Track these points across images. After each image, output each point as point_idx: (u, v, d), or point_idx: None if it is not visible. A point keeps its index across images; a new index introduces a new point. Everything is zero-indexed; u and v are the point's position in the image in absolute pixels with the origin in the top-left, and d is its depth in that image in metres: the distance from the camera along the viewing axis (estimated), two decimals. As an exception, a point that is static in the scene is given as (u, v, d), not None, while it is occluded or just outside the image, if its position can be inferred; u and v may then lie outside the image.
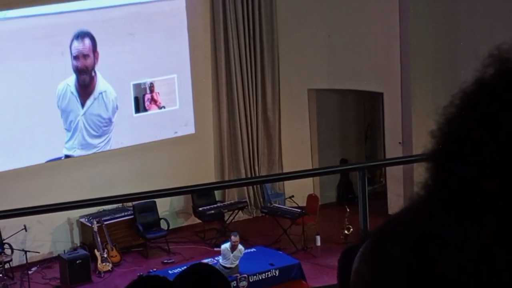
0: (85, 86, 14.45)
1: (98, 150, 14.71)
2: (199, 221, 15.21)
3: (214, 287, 3.06)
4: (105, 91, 14.61)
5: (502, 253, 0.57)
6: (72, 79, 14.30)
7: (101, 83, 14.55)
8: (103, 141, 14.74)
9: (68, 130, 14.38)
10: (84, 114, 14.49)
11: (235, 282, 12.35)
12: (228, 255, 12.55)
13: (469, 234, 0.60)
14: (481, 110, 0.63)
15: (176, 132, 15.28)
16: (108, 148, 14.78)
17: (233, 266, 12.56)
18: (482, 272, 0.58)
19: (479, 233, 0.59)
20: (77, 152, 14.50)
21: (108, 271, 13.71)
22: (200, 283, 3.05)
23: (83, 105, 14.47)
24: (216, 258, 12.94)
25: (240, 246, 12.64)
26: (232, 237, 12.69)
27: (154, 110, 15.19)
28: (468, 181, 0.61)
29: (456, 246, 0.60)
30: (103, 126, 14.69)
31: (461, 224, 0.60)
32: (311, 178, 15.62)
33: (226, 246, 12.63)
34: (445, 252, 0.61)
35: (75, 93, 14.37)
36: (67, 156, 14.43)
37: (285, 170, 15.81)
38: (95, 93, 14.56)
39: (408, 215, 0.68)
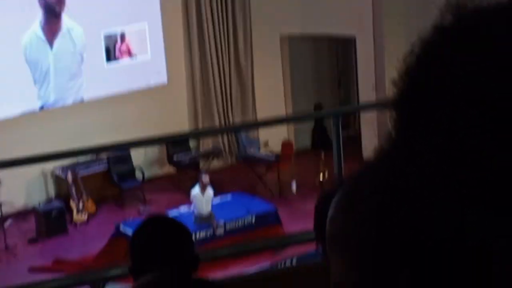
0: (52, 25, 14.21)
1: (72, 97, 14.55)
2: (174, 169, 15.22)
3: (173, 238, 3.04)
4: (72, 28, 14.42)
5: (470, 204, 0.57)
6: (36, 25, 14.08)
7: (67, 21, 14.36)
8: (76, 84, 14.55)
9: (38, 80, 14.21)
10: (55, 55, 14.30)
11: (211, 229, 12.41)
12: (200, 199, 12.55)
13: (434, 188, 0.59)
14: (440, 57, 0.63)
15: (145, 83, 15.17)
16: (81, 94, 14.63)
17: (207, 213, 12.59)
18: (451, 227, 0.58)
19: (444, 185, 0.59)
20: (51, 99, 14.34)
21: (84, 222, 13.72)
22: (158, 235, 3.03)
23: (51, 45, 14.28)
24: (192, 206, 12.96)
25: (209, 188, 12.66)
26: (203, 177, 12.71)
27: (125, 60, 15.07)
28: (430, 131, 0.61)
29: (422, 201, 0.60)
30: (74, 65, 14.51)
31: (425, 176, 0.60)
32: (285, 125, 15.64)
33: (196, 191, 12.63)
34: (412, 210, 0.60)
35: (42, 36, 14.15)
36: (41, 108, 14.31)
37: (259, 117, 15.80)
38: (63, 30, 14.36)
39: (373, 171, 0.67)
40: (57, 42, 14.34)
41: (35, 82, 14.22)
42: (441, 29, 0.65)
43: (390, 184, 0.63)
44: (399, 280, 0.62)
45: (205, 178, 12.71)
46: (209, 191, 12.70)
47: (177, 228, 3.12)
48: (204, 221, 12.54)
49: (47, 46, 14.26)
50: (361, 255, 0.65)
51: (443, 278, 0.59)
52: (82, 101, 14.67)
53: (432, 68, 0.63)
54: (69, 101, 14.60)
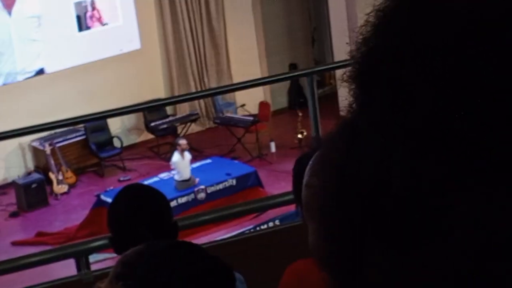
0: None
1: (39, 65, 14.40)
2: (152, 136, 15.19)
3: (151, 207, 3.03)
4: None
5: (429, 163, 0.59)
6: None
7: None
8: (36, 51, 14.36)
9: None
10: (14, 20, 14.11)
11: (193, 194, 12.43)
12: (181, 164, 12.55)
13: (395, 150, 0.61)
14: (395, 24, 0.64)
15: (121, 50, 15.07)
16: (49, 63, 14.47)
17: (188, 176, 12.60)
18: (411, 186, 0.60)
19: (404, 147, 0.60)
20: (17, 69, 14.16)
21: (65, 192, 13.70)
22: (136, 205, 3.03)
23: (9, 13, 14.07)
24: (173, 172, 12.97)
25: (187, 153, 12.68)
26: (180, 141, 12.72)
27: (97, 28, 14.94)
28: (389, 98, 0.62)
29: (382, 165, 0.61)
30: (34, 28, 14.32)
31: (387, 140, 0.62)
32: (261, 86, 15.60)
33: (177, 156, 12.63)
34: (372, 174, 0.62)
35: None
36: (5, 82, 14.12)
37: (234, 79, 15.75)
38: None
39: (335, 140, 0.69)
40: (15, 9, 14.10)
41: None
42: None
43: (348, 150, 0.65)
44: (364, 244, 0.63)
45: (183, 141, 12.71)
46: (187, 155, 12.70)
47: (154, 196, 3.11)
48: (188, 185, 12.55)
49: (6, 13, 14.02)
50: (328, 224, 0.67)
51: (404, 232, 0.60)
52: (52, 72, 14.53)
53: (388, 36, 0.64)
54: (34, 70, 14.42)
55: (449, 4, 0.62)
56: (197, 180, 12.62)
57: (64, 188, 13.71)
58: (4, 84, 14.09)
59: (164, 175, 12.97)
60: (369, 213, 0.62)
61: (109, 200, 11.30)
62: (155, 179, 12.70)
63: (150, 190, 3.22)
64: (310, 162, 1.35)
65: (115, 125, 14.80)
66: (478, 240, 0.57)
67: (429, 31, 0.61)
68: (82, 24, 14.77)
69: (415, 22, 0.63)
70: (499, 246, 0.57)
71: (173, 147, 13.20)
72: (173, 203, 10.74)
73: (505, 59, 0.59)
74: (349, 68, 0.68)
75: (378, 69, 0.64)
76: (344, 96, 0.72)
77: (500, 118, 0.58)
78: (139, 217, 2.98)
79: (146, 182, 11.31)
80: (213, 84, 15.69)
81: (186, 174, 12.60)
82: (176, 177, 12.61)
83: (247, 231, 9.19)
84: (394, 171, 0.61)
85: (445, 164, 0.59)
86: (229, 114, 15.57)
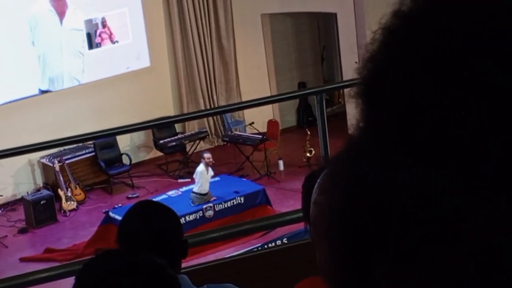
0: (60, 5, 14.24)
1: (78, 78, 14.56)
2: (161, 153, 15.21)
3: (162, 224, 3.02)
4: (75, 8, 14.44)
5: (433, 176, 0.60)
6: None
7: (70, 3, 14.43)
8: (83, 63, 14.56)
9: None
10: (65, 30, 14.30)
11: (201, 212, 12.42)
12: (205, 176, 12.54)
13: (401, 163, 0.62)
14: (401, 42, 0.65)
15: (128, 67, 15.12)
16: (70, 80, 14.63)
17: (206, 191, 12.59)
18: (417, 198, 0.61)
19: (410, 159, 0.61)
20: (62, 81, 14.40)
21: (73, 209, 13.71)
22: (147, 222, 3.02)
23: (61, 22, 14.27)
24: (181, 190, 12.98)
25: (210, 169, 12.71)
26: (205, 155, 12.71)
27: (107, 45, 15.01)
28: (394, 111, 0.63)
29: (389, 178, 0.62)
30: (82, 42, 14.52)
31: (393, 153, 0.62)
32: (270, 104, 15.63)
33: (202, 167, 12.62)
34: (378, 187, 0.63)
35: (52, 9, 14.15)
36: (43, 92, 14.29)
37: (243, 97, 15.77)
38: (70, 8, 14.36)
39: (342, 156, 0.70)
40: (66, 19, 14.37)
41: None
42: (401, 15, 0.67)
43: (355, 168, 0.66)
44: (371, 258, 0.64)
45: (208, 155, 12.70)
46: (210, 171, 12.71)
47: (165, 213, 3.11)
48: (204, 199, 12.54)
49: (58, 21, 14.27)
50: (335, 239, 0.67)
51: (411, 243, 0.61)
52: (64, 89, 14.61)
53: (394, 53, 0.65)
54: (76, 82, 14.62)
55: (453, 18, 0.63)
56: (214, 197, 12.63)
57: (72, 204, 13.72)
58: (14, 101, 14.15)
59: (172, 193, 12.98)
60: (376, 226, 0.63)
61: (117, 217, 11.38)
62: (164, 196, 12.70)
63: (161, 207, 3.22)
64: (318, 180, 1.36)
65: (124, 142, 14.83)
66: (485, 246, 0.58)
67: (434, 45, 0.62)
68: (92, 41, 14.84)
69: (420, 37, 0.64)
70: (506, 252, 0.58)
71: (182, 164, 13.18)
72: (181, 221, 10.72)
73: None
74: (356, 85, 0.70)
75: (384, 84, 0.65)
76: (353, 114, 0.74)
77: (508, 125, 0.59)
78: (148, 234, 2.97)
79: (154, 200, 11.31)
80: (222, 102, 15.72)
81: (205, 187, 12.60)
82: (195, 189, 12.59)
83: (255, 249, 9.18)
84: (401, 182, 0.61)
85: (451, 173, 0.60)
86: (237, 132, 15.59)
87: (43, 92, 14.35)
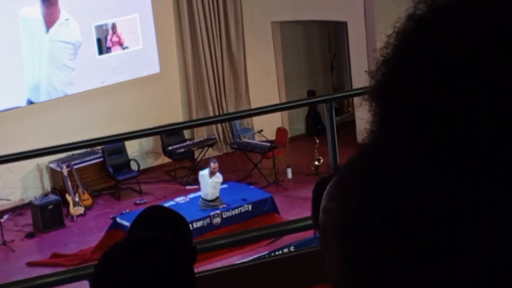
0: (50, 12, 14.18)
1: (64, 89, 14.51)
2: (169, 160, 15.21)
3: (171, 227, 3.01)
4: (69, 19, 14.39)
5: (448, 181, 0.60)
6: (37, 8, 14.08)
7: (64, 13, 14.35)
8: (67, 76, 14.50)
9: (28, 60, 14.12)
10: (49, 41, 14.25)
11: (208, 219, 12.41)
12: (207, 180, 12.54)
13: (415, 166, 0.62)
14: (416, 46, 0.65)
15: (141, 73, 15.14)
16: (73, 87, 14.59)
17: (214, 198, 12.58)
18: (431, 202, 0.61)
19: (424, 162, 0.61)
20: (42, 91, 14.29)
21: (81, 214, 13.71)
22: (156, 227, 3.01)
23: (48, 30, 14.24)
24: (189, 196, 12.97)
25: (218, 174, 12.68)
26: (212, 164, 12.72)
27: (117, 51, 15.03)
28: (410, 113, 0.63)
29: (403, 181, 0.62)
30: (66, 56, 14.46)
31: (407, 156, 0.62)
32: (279, 112, 15.62)
33: (204, 172, 12.64)
34: (392, 190, 0.63)
35: (41, 17, 14.13)
36: (30, 102, 14.23)
37: (252, 104, 15.78)
38: (61, 19, 14.33)
39: (357, 159, 0.70)
40: (54, 29, 14.27)
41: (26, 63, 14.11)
42: (415, 19, 0.67)
43: (368, 167, 0.66)
44: (385, 262, 0.64)
45: (214, 164, 12.70)
46: (219, 176, 12.69)
47: (174, 219, 3.10)
48: (212, 206, 12.54)
49: (44, 28, 14.18)
50: (348, 244, 0.67)
51: (425, 247, 0.61)
52: (73, 94, 14.62)
53: (408, 57, 0.65)
54: (60, 93, 14.54)
55: (467, 22, 0.63)
56: (224, 204, 12.62)
57: (80, 210, 13.73)
58: (23, 105, 14.17)
59: (180, 199, 12.97)
60: (390, 230, 0.63)
61: (125, 222, 11.38)
62: (171, 203, 12.70)
63: (170, 213, 3.21)
64: (328, 187, 1.35)
65: (132, 148, 14.85)
66: (501, 251, 0.58)
67: (449, 49, 0.62)
68: (102, 47, 14.86)
69: (435, 41, 0.64)
70: None
71: (190, 171, 13.18)
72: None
73: None
74: (370, 88, 0.69)
75: (398, 87, 0.65)
76: (362, 123, 0.73)
77: None
78: (158, 240, 2.96)
79: (162, 206, 11.30)
80: (231, 109, 15.72)
81: (213, 193, 12.60)
82: (203, 195, 12.64)
83: (262, 257, 9.16)
84: (415, 185, 0.61)
85: (465, 177, 0.60)
86: (246, 140, 15.58)
87: (31, 102, 14.28)
